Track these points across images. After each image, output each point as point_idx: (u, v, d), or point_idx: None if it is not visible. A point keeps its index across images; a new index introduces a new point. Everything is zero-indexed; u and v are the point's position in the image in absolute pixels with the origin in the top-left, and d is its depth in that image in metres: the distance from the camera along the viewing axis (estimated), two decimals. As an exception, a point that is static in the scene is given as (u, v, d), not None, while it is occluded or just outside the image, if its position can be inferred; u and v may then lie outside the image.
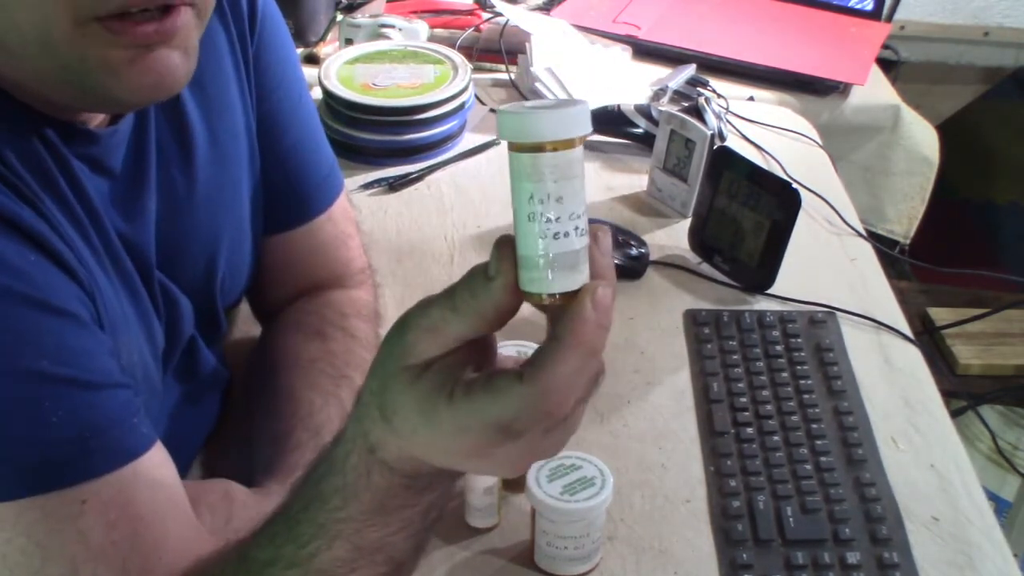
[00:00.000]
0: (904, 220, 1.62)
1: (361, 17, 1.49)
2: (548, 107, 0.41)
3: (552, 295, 0.43)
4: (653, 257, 1.11)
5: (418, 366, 0.45)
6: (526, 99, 1.40)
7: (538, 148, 0.41)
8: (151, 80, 0.55)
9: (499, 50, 1.48)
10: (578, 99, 0.43)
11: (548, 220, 0.42)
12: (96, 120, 0.62)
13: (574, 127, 0.41)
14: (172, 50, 0.55)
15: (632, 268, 1.08)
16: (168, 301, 0.70)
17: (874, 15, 1.72)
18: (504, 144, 0.43)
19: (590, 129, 0.42)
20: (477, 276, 0.44)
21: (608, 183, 1.25)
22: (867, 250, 1.17)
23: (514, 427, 0.43)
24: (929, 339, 1.61)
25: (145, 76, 0.55)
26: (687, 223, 1.14)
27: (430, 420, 0.44)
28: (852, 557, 0.77)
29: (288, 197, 0.84)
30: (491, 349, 0.48)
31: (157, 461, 0.58)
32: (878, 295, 1.09)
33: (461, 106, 1.28)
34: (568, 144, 0.41)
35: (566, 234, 0.42)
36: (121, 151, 0.65)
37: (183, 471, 0.62)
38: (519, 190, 0.42)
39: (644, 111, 1.29)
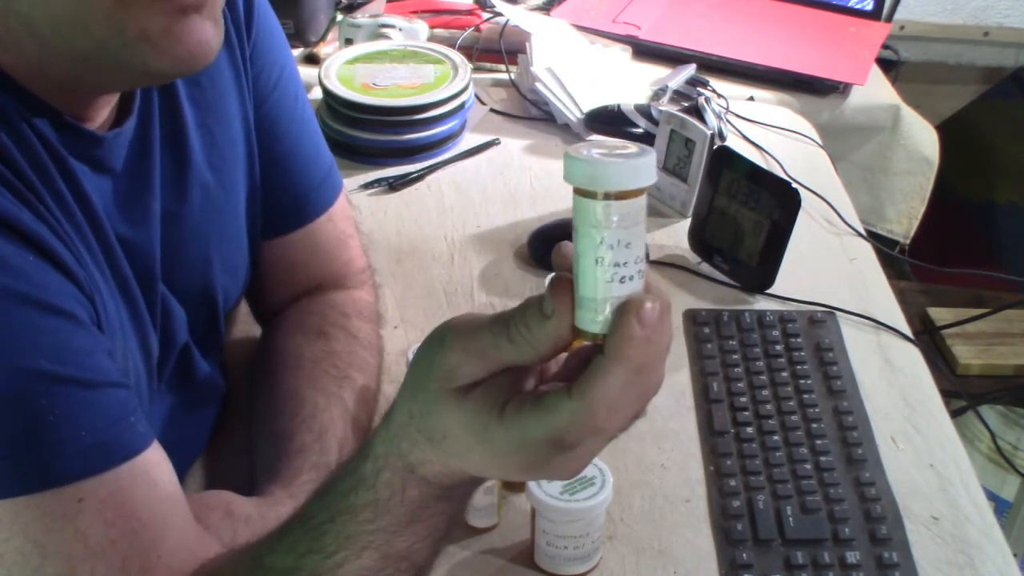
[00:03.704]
0: (904, 220, 1.62)
1: (361, 17, 1.49)
2: (617, 155, 0.42)
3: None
4: (653, 257, 1.11)
5: (463, 388, 0.45)
6: (526, 99, 1.40)
7: (610, 196, 0.42)
8: (187, 50, 0.55)
9: (499, 50, 1.48)
10: (644, 147, 0.43)
11: (616, 265, 0.43)
12: (99, 121, 0.62)
13: (644, 177, 0.42)
14: (204, 19, 0.56)
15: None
16: (163, 309, 0.70)
17: (874, 15, 1.72)
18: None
19: (656, 177, 0.43)
20: (533, 311, 0.44)
21: (608, 183, 1.25)
22: (867, 250, 1.17)
23: (566, 441, 0.44)
24: (929, 339, 1.61)
25: (180, 46, 0.55)
26: (687, 223, 1.14)
27: (483, 439, 0.45)
28: (852, 557, 0.77)
29: (288, 199, 0.84)
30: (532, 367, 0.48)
31: (155, 460, 0.58)
32: (878, 295, 1.09)
33: (461, 106, 1.28)
34: (638, 192, 0.42)
35: (631, 278, 0.43)
36: (124, 152, 0.65)
37: (179, 480, 0.62)
38: (586, 235, 0.43)
39: (644, 111, 1.29)
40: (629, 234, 0.42)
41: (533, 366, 0.47)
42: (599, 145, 0.44)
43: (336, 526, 0.50)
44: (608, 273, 0.43)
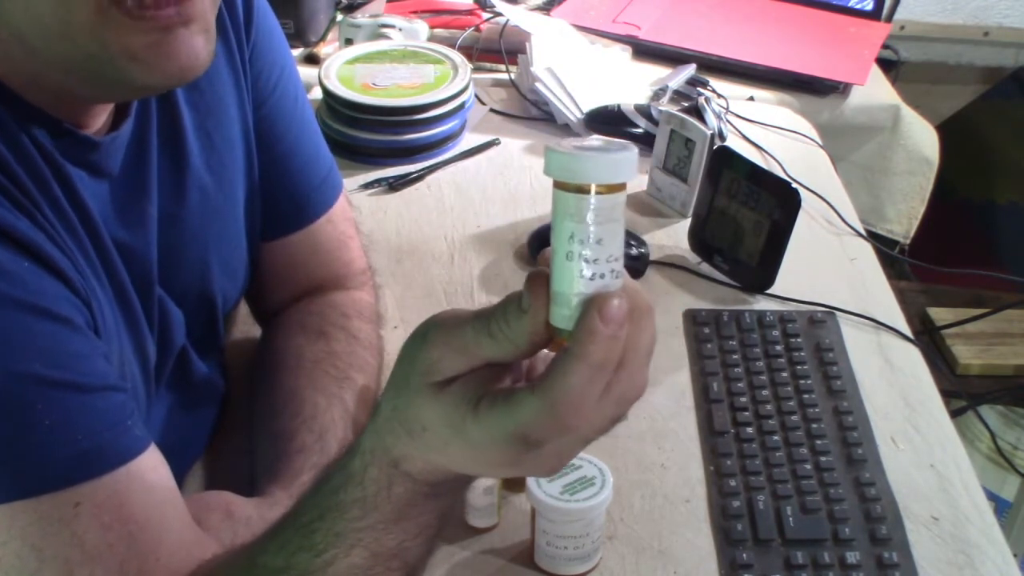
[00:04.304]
0: (904, 220, 1.62)
1: (361, 17, 1.49)
2: (597, 149, 0.42)
3: None
4: (653, 257, 1.11)
5: (443, 382, 0.45)
6: (526, 99, 1.40)
7: (584, 189, 0.42)
8: (176, 65, 0.55)
9: (499, 50, 1.48)
10: (627, 143, 0.43)
11: (586, 261, 0.42)
12: (96, 126, 0.62)
13: (622, 172, 0.42)
14: (193, 33, 0.55)
15: (632, 268, 1.08)
16: (161, 312, 0.70)
17: (874, 15, 1.72)
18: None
19: (635, 175, 0.42)
20: (512, 306, 0.44)
21: (608, 183, 1.25)
22: (867, 250, 1.17)
23: (530, 437, 0.43)
24: (929, 339, 1.61)
25: (169, 62, 0.54)
26: (687, 223, 1.14)
27: (459, 432, 0.45)
28: (852, 557, 0.77)
29: (287, 200, 0.84)
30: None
31: (152, 464, 0.58)
32: (878, 295, 1.09)
33: (461, 106, 1.28)
34: (615, 188, 0.42)
35: (602, 275, 0.43)
36: (121, 156, 0.65)
37: (179, 482, 0.62)
38: (560, 228, 0.43)
39: (644, 111, 1.29)
40: (602, 230, 0.42)
41: (516, 363, 0.47)
42: (588, 141, 0.43)
43: (325, 523, 0.50)
44: (578, 268, 0.42)
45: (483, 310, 0.45)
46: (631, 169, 0.42)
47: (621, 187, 0.42)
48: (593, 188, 0.41)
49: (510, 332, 0.43)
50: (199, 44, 0.56)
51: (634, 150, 0.42)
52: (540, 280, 0.44)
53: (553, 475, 0.51)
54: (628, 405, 0.45)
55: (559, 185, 0.42)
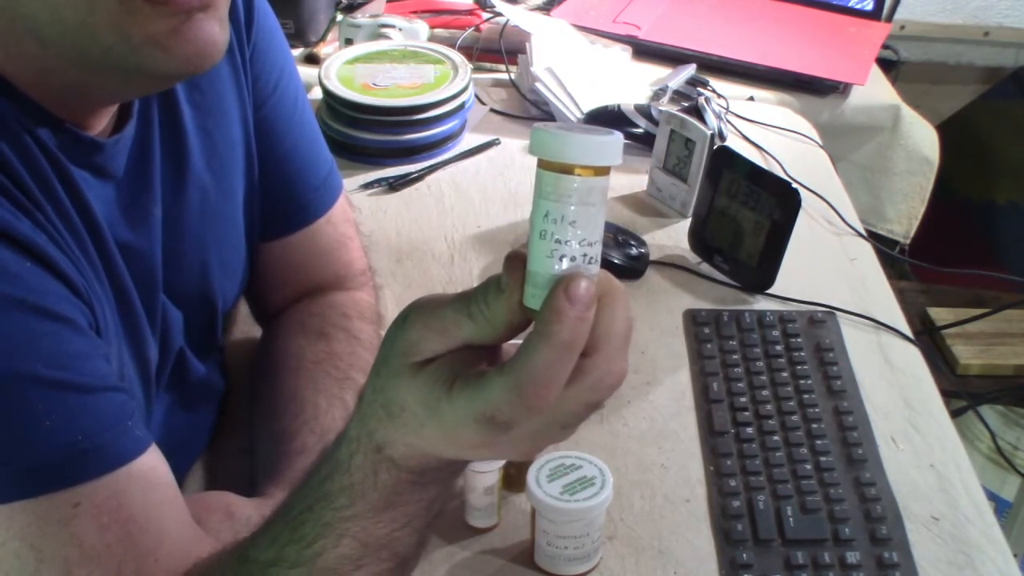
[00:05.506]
0: (904, 220, 1.62)
1: (361, 17, 1.49)
2: (581, 131, 0.42)
3: None
4: (653, 257, 1.11)
5: (421, 362, 0.45)
6: (526, 99, 1.41)
7: (564, 169, 0.42)
8: (194, 49, 0.55)
9: (499, 50, 1.48)
10: (612, 130, 0.43)
11: (558, 241, 0.42)
12: (100, 127, 0.62)
13: (603, 156, 0.42)
14: (210, 19, 0.56)
15: (632, 268, 1.08)
16: (162, 314, 0.70)
17: (874, 15, 1.72)
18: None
19: (619, 161, 0.42)
20: (492, 287, 0.44)
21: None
22: (867, 250, 1.17)
23: (498, 418, 0.43)
24: (929, 339, 1.62)
25: (188, 46, 0.55)
26: (687, 223, 1.14)
27: (434, 413, 0.44)
28: (852, 557, 0.77)
29: (287, 201, 0.84)
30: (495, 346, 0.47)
31: (151, 464, 0.58)
32: (878, 295, 1.09)
33: (461, 106, 1.28)
34: (594, 171, 0.42)
35: (573, 258, 0.43)
36: (125, 157, 0.65)
37: (178, 482, 0.62)
38: (537, 206, 0.43)
39: (644, 111, 1.29)
40: (576, 212, 0.42)
41: (497, 347, 0.47)
42: (576, 126, 0.44)
43: (314, 514, 0.50)
44: (549, 248, 0.42)
45: (464, 293, 0.45)
46: (614, 154, 0.42)
47: (603, 171, 0.42)
48: (574, 169, 0.42)
49: (488, 312, 0.43)
50: (216, 30, 0.56)
51: (618, 136, 0.42)
52: (517, 260, 0.43)
53: (527, 459, 0.50)
54: (606, 392, 0.44)
55: (542, 164, 0.43)
